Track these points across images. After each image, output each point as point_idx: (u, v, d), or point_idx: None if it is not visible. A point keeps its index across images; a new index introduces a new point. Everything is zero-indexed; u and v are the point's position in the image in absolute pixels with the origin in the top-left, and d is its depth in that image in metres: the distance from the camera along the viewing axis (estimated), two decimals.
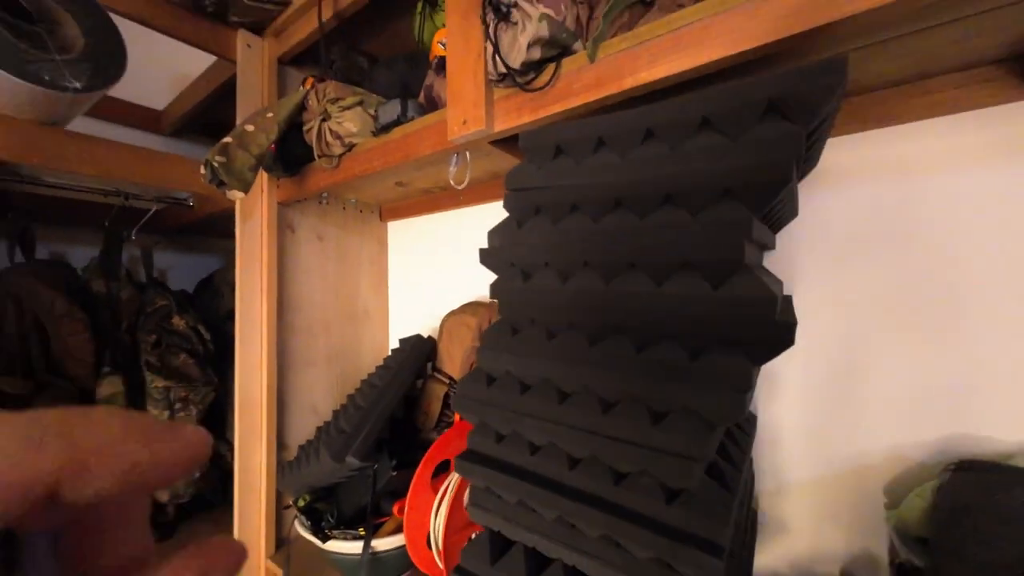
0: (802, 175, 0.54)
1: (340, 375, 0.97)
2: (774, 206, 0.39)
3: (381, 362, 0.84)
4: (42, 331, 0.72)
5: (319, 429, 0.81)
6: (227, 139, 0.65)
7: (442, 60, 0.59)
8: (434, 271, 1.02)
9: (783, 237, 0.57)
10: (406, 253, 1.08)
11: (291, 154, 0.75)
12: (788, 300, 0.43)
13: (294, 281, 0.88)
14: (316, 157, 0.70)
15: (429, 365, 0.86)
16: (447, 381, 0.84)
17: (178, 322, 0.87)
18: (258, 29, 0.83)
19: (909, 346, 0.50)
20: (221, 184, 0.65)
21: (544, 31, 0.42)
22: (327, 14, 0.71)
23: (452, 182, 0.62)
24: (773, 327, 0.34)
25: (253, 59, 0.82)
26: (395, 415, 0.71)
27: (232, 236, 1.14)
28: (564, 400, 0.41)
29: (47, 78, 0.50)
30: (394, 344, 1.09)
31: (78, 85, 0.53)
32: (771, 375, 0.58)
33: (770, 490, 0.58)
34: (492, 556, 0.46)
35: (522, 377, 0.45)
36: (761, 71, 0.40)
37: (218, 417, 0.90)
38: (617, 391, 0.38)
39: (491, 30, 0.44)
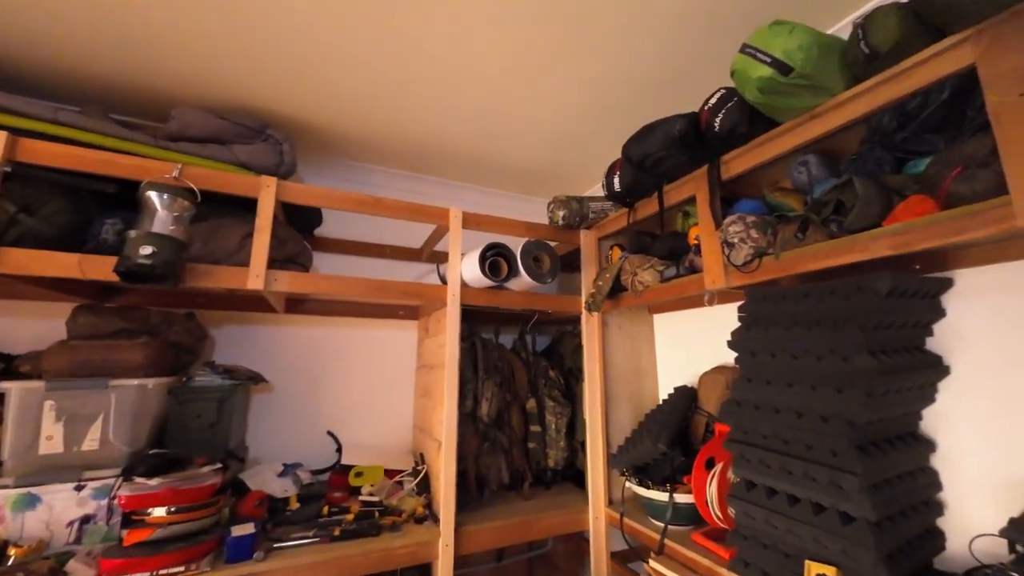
0: (940, 292, 0.91)
1: (633, 408, 1.62)
2: (886, 321, 0.83)
3: (663, 399, 1.45)
4: (513, 375, 1.67)
5: (629, 437, 1.46)
6: (592, 290, 1.45)
7: (697, 247, 1.22)
8: (682, 345, 1.60)
9: (956, 323, 0.91)
10: (666, 334, 1.70)
11: (612, 291, 1.50)
12: (883, 367, 0.82)
13: (609, 352, 1.61)
14: (629, 290, 1.42)
15: (693, 404, 1.42)
16: (706, 415, 1.37)
17: (552, 374, 1.73)
18: (589, 227, 1.68)
19: None
20: (590, 309, 1.44)
21: (751, 251, 1.00)
22: (632, 219, 1.47)
23: (706, 304, 1.22)
24: (873, 379, 0.78)
25: (588, 242, 1.67)
26: (680, 428, 1.29)
27: (556, 324, 2.01)
28: (777, 412, 0.93)
29: (543, 281, 1.40)
30: (662, 392, 1.69)
31: (548, 281, 1.42)
32: (948, 419, 0.90)
33: (951, 492, 0.88)
34: (747, 489, 0.97)
35: (755, 402, 0.98)
36: (870, 270, 0.86)
37: (570, 426, 1.68)
38: (804, 407, 0.88)
39: (725, 250, 1.05)
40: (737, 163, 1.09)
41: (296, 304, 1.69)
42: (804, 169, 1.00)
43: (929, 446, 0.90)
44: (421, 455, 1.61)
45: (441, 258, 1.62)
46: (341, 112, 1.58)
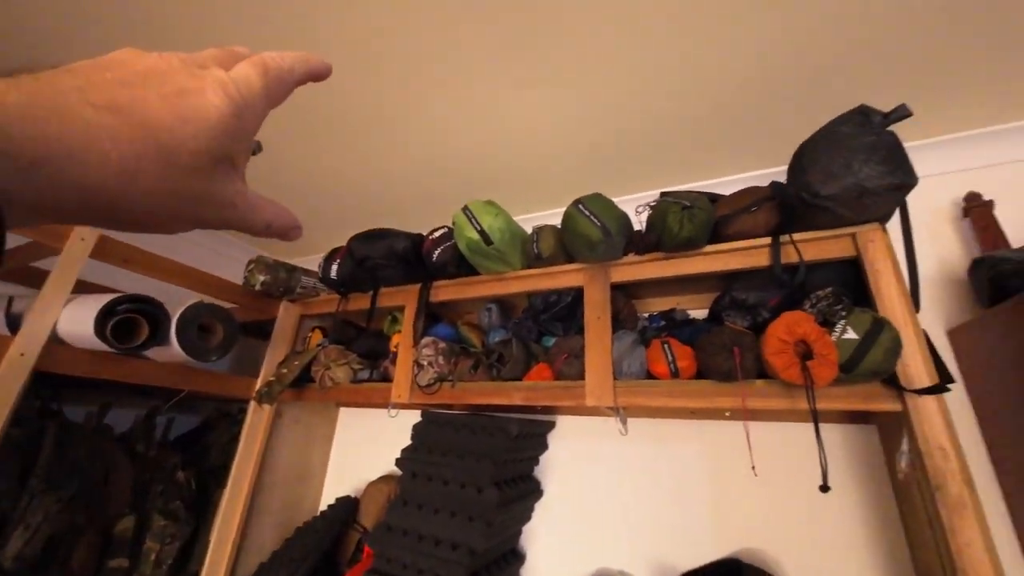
0: (547, 432, 1.22)
1: (283, 521, 1.37)
2: (512, 457, 1.03)
3: (322, 510, 1.29)
4: (106, 480, 1.12)
5: (264, 563, 1.20)
6: (272, 378, 1.23)
7: (395, 356, 1.25)
8: (363, 445, 1.54)
9: (553, 455, 1.20)
10: (350, 431, 1.60)
11: (297, 380, 1.32)
12: (500, 490, 1.03)
13: (273, 451, 1.36)
14: (317, 383, 1.28)
15: (352, 519, 1.32)
16: (361, 530, 1.30)
17: (181, 477, 1.28)
18: (293, 300, 1.48)
19: (610, 523, 1.11)
20: (262, 401, 1.20)
21: (434, 376, 1.09)
22: (343, 307, 1.39)
23: (389, 415, 1.23)
24: (495, 510, 0.94)
25: (288, 316, 1.46)
26: (327, 551, 1.16)
27: (217, 401, 1.60)
28: (420, 539, 0.96)
29: (207, 358, 1.08)
30: (325, 500, 1.53)
31: (215, 359, 1.11)
32: (536, 533, 1.16)
33: None
34: None
35: (404, 528, 0.99)
36: (514, 409, 1.08)
37: (185, 552, 1.24)
38: (441, 534, 0.95)
39: (415, 369, 1.11)
40: (444, 291, 1.23)
41: None
42: (488, 313, 1.22)
43: (522, 560, 1.12)
44: None
45: (22, 276, 1.03)
46: None
